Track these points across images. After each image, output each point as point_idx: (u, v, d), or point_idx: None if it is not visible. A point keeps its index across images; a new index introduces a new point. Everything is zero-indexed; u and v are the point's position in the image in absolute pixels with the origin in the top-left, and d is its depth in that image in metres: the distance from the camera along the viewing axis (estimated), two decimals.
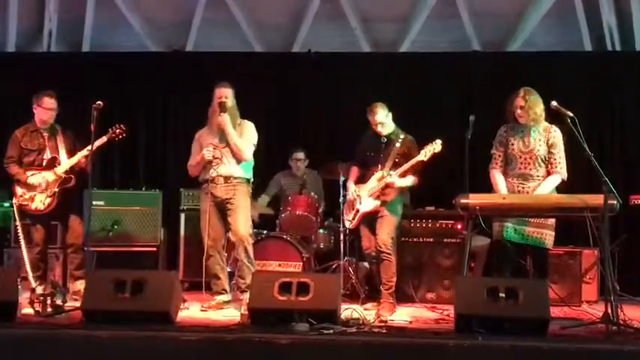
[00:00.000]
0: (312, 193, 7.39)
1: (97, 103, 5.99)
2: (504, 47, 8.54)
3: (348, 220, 6.26)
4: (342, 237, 6.82)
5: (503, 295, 4.73)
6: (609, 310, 4.85)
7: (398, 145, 6.03)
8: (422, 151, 5.94)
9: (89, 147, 6.10)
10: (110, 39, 8.80)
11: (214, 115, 6.12)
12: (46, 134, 6.50)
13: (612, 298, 4.91)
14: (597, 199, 5.08)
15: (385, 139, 6.13)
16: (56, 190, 6.37)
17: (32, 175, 6.36)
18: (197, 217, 6.69)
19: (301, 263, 6.81)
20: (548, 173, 5.57)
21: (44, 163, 6.42)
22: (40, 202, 6.35)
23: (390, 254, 5.97)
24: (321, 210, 7.34)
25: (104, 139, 6.40)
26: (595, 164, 5.10)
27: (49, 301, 5.28)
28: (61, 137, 6.53)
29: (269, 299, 4.91)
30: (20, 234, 6.27)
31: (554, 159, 5.55)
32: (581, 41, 8.35)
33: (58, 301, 5.36)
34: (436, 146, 5.90)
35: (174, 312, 5.04)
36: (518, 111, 5.59)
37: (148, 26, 8.79)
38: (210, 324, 5.16)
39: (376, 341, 4.52)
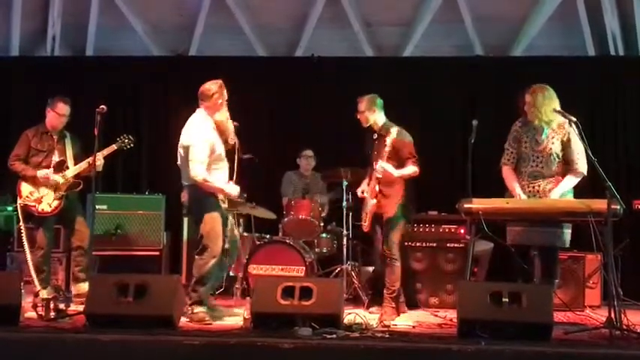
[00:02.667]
0: (316, 197, 7.41)
1: (101, 107, 6.03)
2: (507, 52, 8.55)
3: (364, 224, 6.19)
4: (344, 241, 6.82)
5: (507, 299, 4.73)
6: (612, 315, 4.85)
7: (388, 140, 5.96)
8: None
9: (98, 154, 6.18)
10: (113, 43, 8.82)
11: (228, 121, 5.80)
12: (55, 137, 6.54)
13: (616, 303, 4.91)
14: (601, 204, 5.08)
15: (376, 136, 6.10)
16: (64, 193, 6.39)
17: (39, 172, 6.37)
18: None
19: (304, 267, 6.79)
20: (566, 171, 5.53)
21: (52, 165, 6.43)
22: (47, 204, 6.36)
23: (394, 259, 5.95)
24: (324, 214, 7.34)
25: (113, 147, 6.47)
26: (598, 169, 5.10)
27: (52, 305, 5.28)
28: (70, 142, 6.57)
29: (272, 304, 4.91)
30: (24, 236, 6.27)
31: (574, 155, 5.49)
32: (584, 46, 8.36)
33: (61, 305, 5.36)
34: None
35: (177, 316, 5.04)
36: (525, 107, 5.60)
37: (151, 31, 8.80)
38: (213, 328, 5.16)
39: (379, 346, 4.51)
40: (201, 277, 5.57)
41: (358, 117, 6.14)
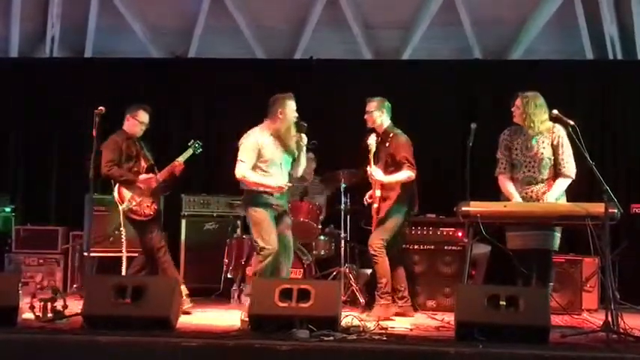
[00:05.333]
0: (315, 199, 7.41)
1: (99, 108, 6.06)
2: (506, 55, 8.55)
3: (372, 228, 6.25)
4: (342, 244, 6.83)
5: (504, 302, 4.74)
6: (610, 319, 4.85)
7: (387, 144, 6.08)
8: None
9: (180, 158, 6.38)
10: (112, 45, 8.81)
11: (288, 131, 5.99)
12: (138, 143, 6.49)
13: (613, 306, 4.91)
14: (598, 208, 5.08)
15: (380, 139, 6.17)
16: (159, 196, 6.48)
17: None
18: (198, 223, 6.72)
19: (302, 270, 6.80)
20: (557, 175, 5.57)
21: (143, 171, 6.40)
22: (147, 206, 6.31)
23: (376, 255, 6.02)
24: (322, 217, 7.34)
25: (190, 151, 6.50)
26: (596, 173, 5.11)
27: (49, 307, 5.28)
28: (146, 148, 6.57)
29: (269, 306, 4.91)
30: (124, 239, 6.22)
31: (562, 159, 5.53)
32: (583, 50, 8.36)
33: (59, 307, 5.36)
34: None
35: (174, 318, 5.04)
36: (513, 109, 5.64)
37: (150, 32, 8.80)
38: (210, 330, 5.16)
39: (376, 348, 4.51)
40: (255, 274, 5.80)
41: (365, 117, 6.20)
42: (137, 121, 6.43)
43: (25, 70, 8.61)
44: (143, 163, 6.47)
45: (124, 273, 6.18)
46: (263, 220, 5.83)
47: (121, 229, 6.29)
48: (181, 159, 6.44)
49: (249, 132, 5.98)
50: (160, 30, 8.83)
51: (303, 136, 6.03)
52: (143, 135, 6.48)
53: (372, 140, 6.11)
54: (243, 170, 5.83)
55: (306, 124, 6.03)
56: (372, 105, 6.19)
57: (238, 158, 5.87)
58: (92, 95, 7.87)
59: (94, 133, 6.09)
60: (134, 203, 6.24)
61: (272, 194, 5.87)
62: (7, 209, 7.62)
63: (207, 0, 8.51)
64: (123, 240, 6.28)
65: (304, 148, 6.08)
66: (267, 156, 5.88)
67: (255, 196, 5.87)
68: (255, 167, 5.85)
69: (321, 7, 8.48)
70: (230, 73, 8.16)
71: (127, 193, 6.29)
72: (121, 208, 6.25)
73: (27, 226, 7.61)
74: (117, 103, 7.73)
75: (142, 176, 6.32)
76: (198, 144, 6.58)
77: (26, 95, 8.49)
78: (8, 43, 8.73)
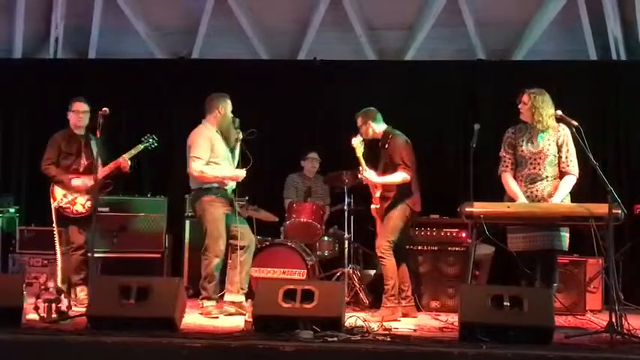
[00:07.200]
0: (318, 201, 7.42)
1: (103, 109, 6.08)
2: (509, 56, 8.55)
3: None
4: (346, 244, 6.83)
5: (508, 303, 4.74)
6: (614, 320, 4.85)
7: (386, 146, 6.13)
8: None
9: (124, 155, 6.45)
10: (116, 46, 8.83)
11: (229, 127, 6.22)
12: (82, 140, 6.61)
13: (617, 307, 4.91)
14: (602, 209, 5.08)
15: (380, 144, 6.20)
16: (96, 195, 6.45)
17: (72, 179, 6.47)
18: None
19: (305, 270, 6.80)
20: (562, 173, 5.54)
21: (81, 169, 6.53)
22: (81, 205, 6.45)
23: (383, 257, 6.03)
24: (325, 217, 7.35)
25: (139, 147, 6.60)
26: (600, 173, 5.11)
27: (53, 307, 5.28)
28: (95, 144, 6.62)
29: (273, 306, 4.91)
30: (56, 239, 6.37)
31: (566, 157, 5.51)
32: (586, 50, 8.35)
33: (63, 307, 5.37)
34: None
35: (178, 318, 5.04)
36: (520, 106, 5.61)
37: (154, 33, 8.81)
38: (214, 331, 5.17)
39: (380, 349, 4.51)
40: (206, 275, 6.02)
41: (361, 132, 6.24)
42: (74, 113, 6.56)
43: (29, 71, 8.62)
44: (84, 161, 6.55)
45: (59, 273, 6.33)
46: (217, 219, 6.04)
47: (54, 226, 6.43)
48: (127, 155, 6.51)
49: (195, 131, 6.16)
50: (163, 31, 8.85)
51: (239, 131, 6.23)
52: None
53: (355, 142, 6.11)
54: (200, 166, 6.02)
55: (238, 119, 6.22)
56: (358, 121, 6.24)
57: (192, 155, 6.04)
58: (96, 96, 7.88)
59: (98, 134, 6.14)
60: (65, 201, 6.40)
61: (225, 188, 6.11)
62: (11, 210, 7.62)
63: (210, 1, 8.52)
64: (55, 238, 6.40)
65: (239, 143, 6.26)
66: (219, 150, 6.11)
67: (211, 190, 6.07)
68: (208, 163, 6.06)
69: (325, 7, 8.48)
70: (234, 74, 8.16)
71: (59, 192, 6.44)
72: (52, 205, 6.41)
73: (31, 226, 7.62)
74: (121, 105, 7.80)
75: (76, 181, 6.45)
76: (153, 139, 6.60)
77: (30, 96, 8.50)
78: (12, 44, 8.75)
